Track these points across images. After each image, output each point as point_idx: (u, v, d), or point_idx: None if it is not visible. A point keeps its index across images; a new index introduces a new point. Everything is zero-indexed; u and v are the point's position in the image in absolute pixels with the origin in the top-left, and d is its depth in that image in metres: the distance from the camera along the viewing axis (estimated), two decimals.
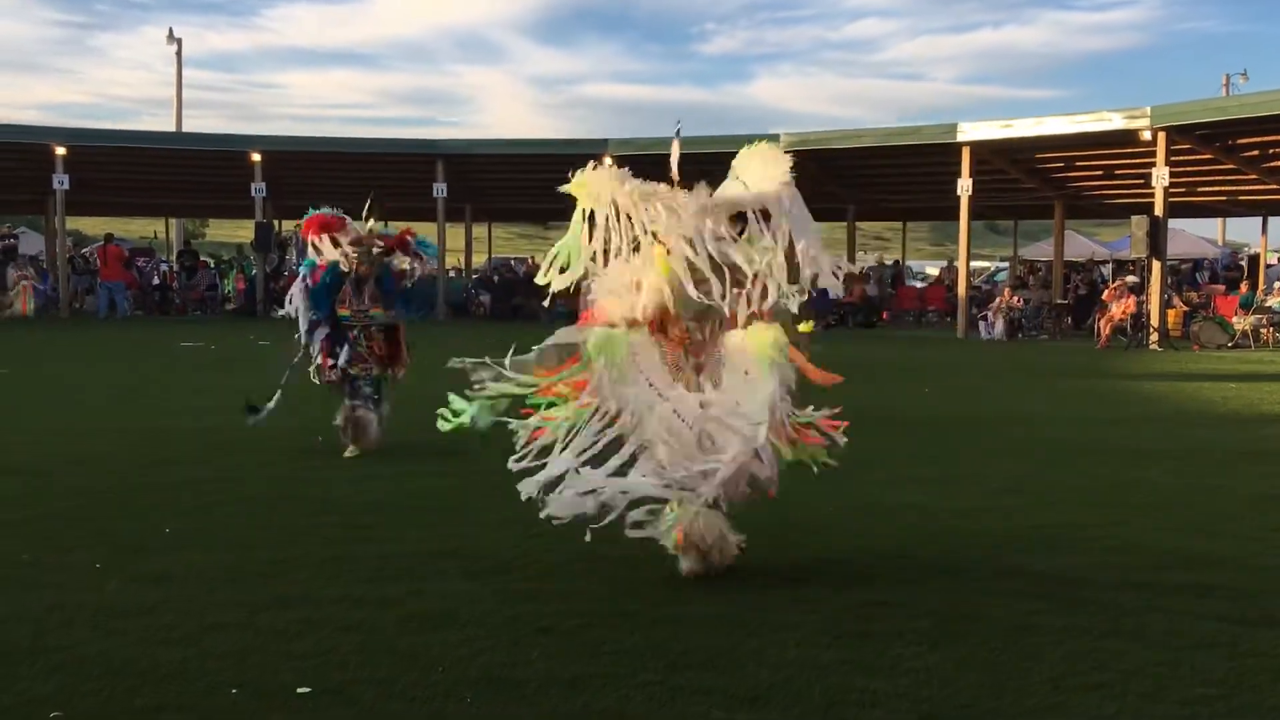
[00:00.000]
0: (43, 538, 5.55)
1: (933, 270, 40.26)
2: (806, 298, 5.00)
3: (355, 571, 5.02)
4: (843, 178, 28.18)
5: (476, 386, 4.92)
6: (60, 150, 25.74)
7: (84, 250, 32.69)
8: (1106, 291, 22.46)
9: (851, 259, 31.66)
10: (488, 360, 4.92)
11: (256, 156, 26.83)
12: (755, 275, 4.86)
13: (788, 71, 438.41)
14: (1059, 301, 25.49)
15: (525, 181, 31.07)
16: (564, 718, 3.47)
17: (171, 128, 38.13)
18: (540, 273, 5.12)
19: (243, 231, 37.84)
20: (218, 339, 19.66)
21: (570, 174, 5.12)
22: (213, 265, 31.01)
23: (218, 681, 3.71)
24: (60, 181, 25.82)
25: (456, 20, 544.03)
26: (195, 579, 4.87)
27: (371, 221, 8.16)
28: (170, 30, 39.96)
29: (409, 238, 8.35)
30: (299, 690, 3.64)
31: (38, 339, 19.78)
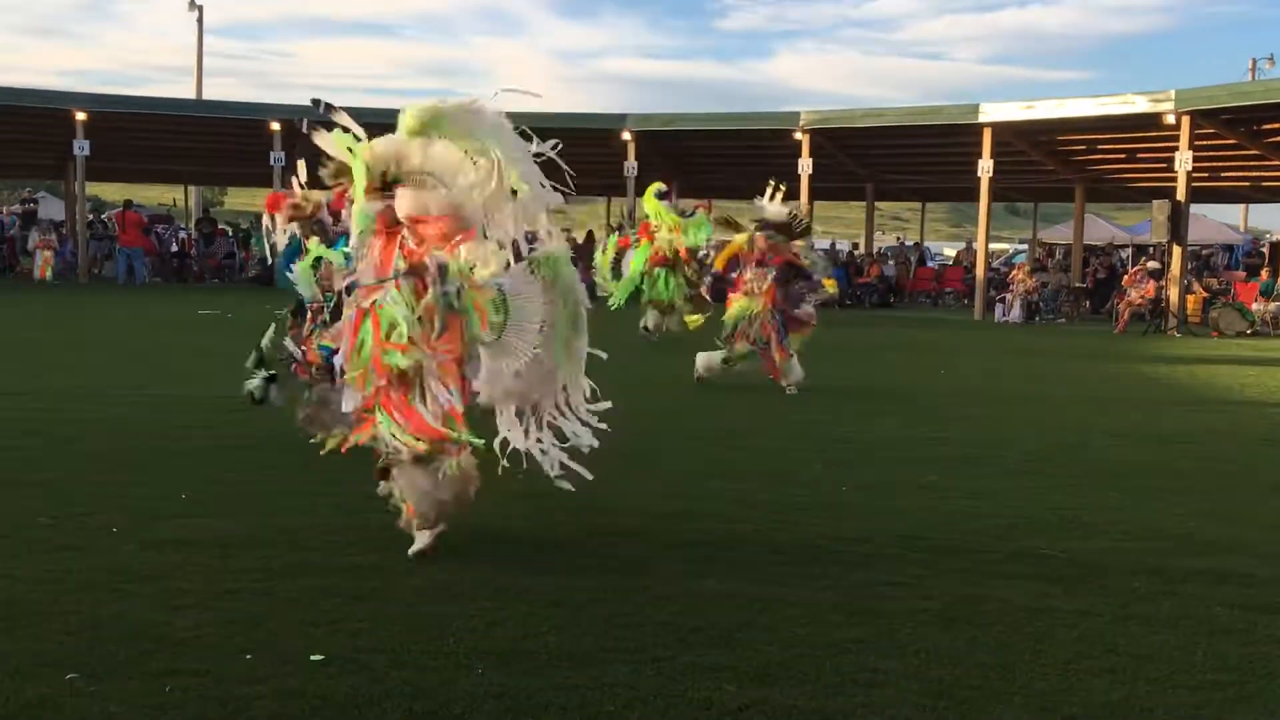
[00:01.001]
0: (61, 501, 5.59)
1: (949, 251, 40.06)
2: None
3: (369, 541, 5.04)
4: (862, 157, 28.03)
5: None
6: (81, 115, 25.75)
7: (103, 216, 32.77)
8: (1126, 276, 22.32)
9: (869, 239, 31.59)
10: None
11: (276, 125, 26.80)
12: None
13: (809, 49, 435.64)
14: (1077, 285, 25.34)
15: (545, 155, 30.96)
16: (574, 691, 3.49)
17: (192, 95, 38.15)
18: None
19: (260, 200, 37.88)
20: (235, 307, 19.69)
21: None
22: (231, 233, 31.05)
23: (232, 646, 3.75)
24: (80, 147, 25.84)
25: None
26: (211, 544, 4.91)
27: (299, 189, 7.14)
28: None
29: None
30: (313, 657, 3.67)
31: (57, 303, 19.87)
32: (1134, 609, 4.38)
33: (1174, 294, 20.44)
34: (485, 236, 4.78)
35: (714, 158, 28.51)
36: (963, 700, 3.50)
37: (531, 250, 5.00)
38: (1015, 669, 3.75)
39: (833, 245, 34.57)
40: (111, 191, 48.73)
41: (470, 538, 5.14)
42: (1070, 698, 3.54)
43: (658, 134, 26.93)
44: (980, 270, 24.66)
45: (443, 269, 4.57)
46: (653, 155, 27.36)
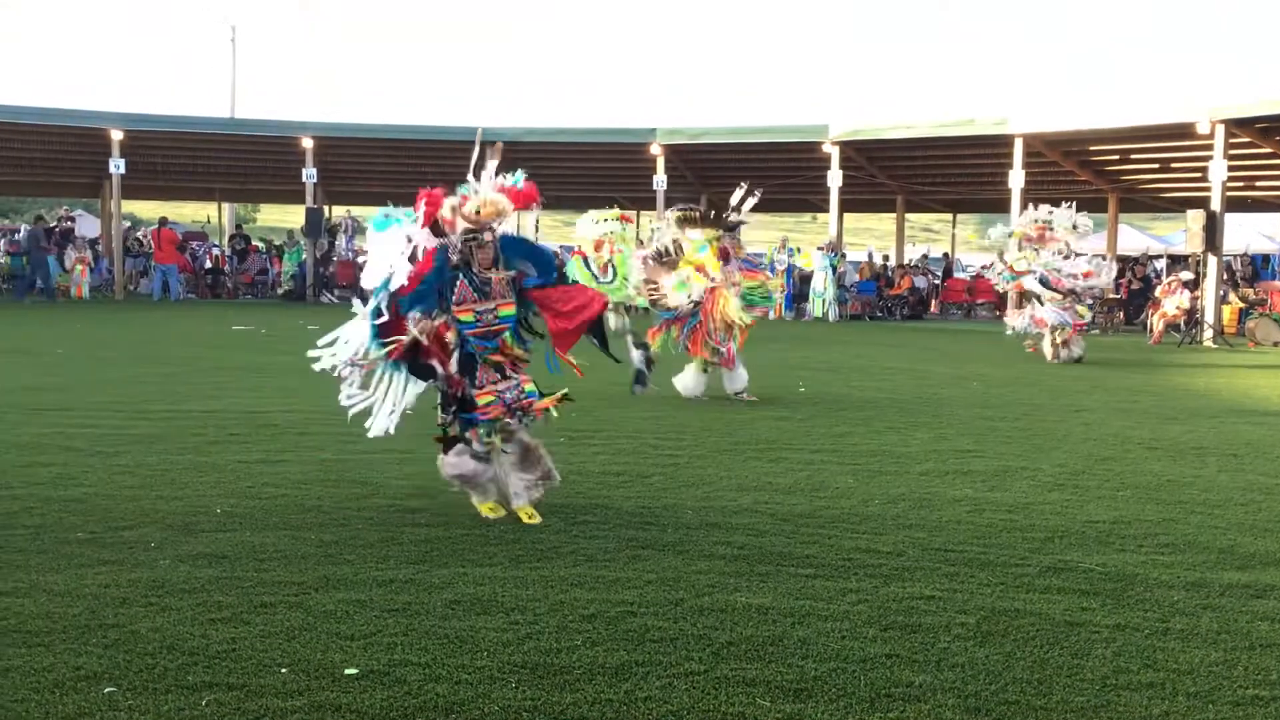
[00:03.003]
0: (98, 515, 5.65)
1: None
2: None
3: (403, 555, 5.06)
4: (891, 169, 27.98)
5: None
6: (117, 135, 26.12)
7: (138, 233, 33.16)
8: (1161, 288, 22.12)
9: (900, 251, 31.49)
10: None
11: (308, 142, 27.08)
12: None
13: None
14: (1111, 296, 25.13)
15: (573, 170, 31.16)
16: (607, 705, 3.49)
17: (226, 113, 38.61)
18: None
19: (293, 216, 38.20)
20: (268, 323, 19.88)
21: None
22: (264, 250, 31.33)
23: (267, 660, 3.77)
24: (116, 166, 26.22)
25: None
26: (246, 559, 4.94)
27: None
28: (225, 16, 40.27)
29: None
30: (347, 671, 3.69)
31: (93, 320, 20.10)
32: (1173, 623, 4.33)
33: (1210, 304, 20.25)
34: None
35: (743, 171, 28.51)
36: (1000, 715, 3.48)
37: None
38: (1053, 684, 3.72)
39: (870, 256, 34.47)
40: (147, 209, 49.32)
41: (503, 551, 5.15)
42: (1109, 713, 3.51)
43: (686, 147, 27.01)
44: None
45: None
46: (682, 168, 27.43)
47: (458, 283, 5.74)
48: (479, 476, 5.83)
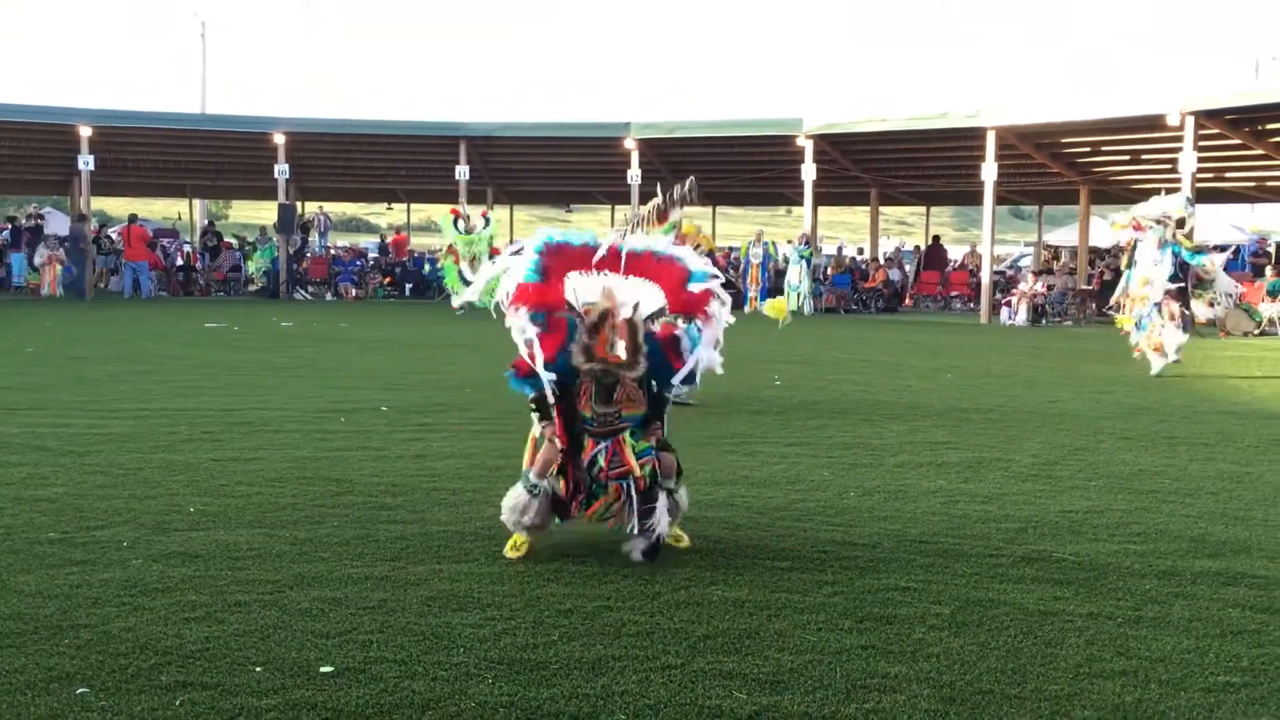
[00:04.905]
0: (70, 515, 5.60)
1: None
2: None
3: (378, 552, 5.05)
4: (865, 162, 28.05)
5: None
6: (86, 131, 25.87)
7: (108, 231, 32.88)
8: None
9: (874, 244, 31.58)
10: None
11: (280, 138, 26.90)
12: None
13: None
14: (1083, 287, 25.30)
15: (548, 164, 31.11)
16: (584, 700, 3.49)
17: (197, 108, 38.31)
18: None
19: (265, 213, 38.01)
20: (241, 320, 19.76)
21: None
22: (237, 246, 31.11)
23: (242, 659, 3.75)
24: (85, 162, 25.97)
25: None
26: (220, 557, 4.91)
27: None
28: (195, 11, 40.01)
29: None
30: (322, 669, 3.68)
31: (63, 318, 19.91)
32: (1145, 611, 4.37)
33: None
34: None
35: (718, 164, 28.56)
36: (974, 705, 3.50)
37: None
38: (1027, 673, 3.74)
39: (840, 250, 34.57)
40: (117, 206, 48.95)
41: (479, 547, 5.14)
42: (1082, 701, 3.53)
43: (661, 141, 27.00)
44: (986, 274, 24.66)
45: None
46: (657, 163, 27.42)
47: (580, 383, 5.00)
48: (526, 513, 5.04)
